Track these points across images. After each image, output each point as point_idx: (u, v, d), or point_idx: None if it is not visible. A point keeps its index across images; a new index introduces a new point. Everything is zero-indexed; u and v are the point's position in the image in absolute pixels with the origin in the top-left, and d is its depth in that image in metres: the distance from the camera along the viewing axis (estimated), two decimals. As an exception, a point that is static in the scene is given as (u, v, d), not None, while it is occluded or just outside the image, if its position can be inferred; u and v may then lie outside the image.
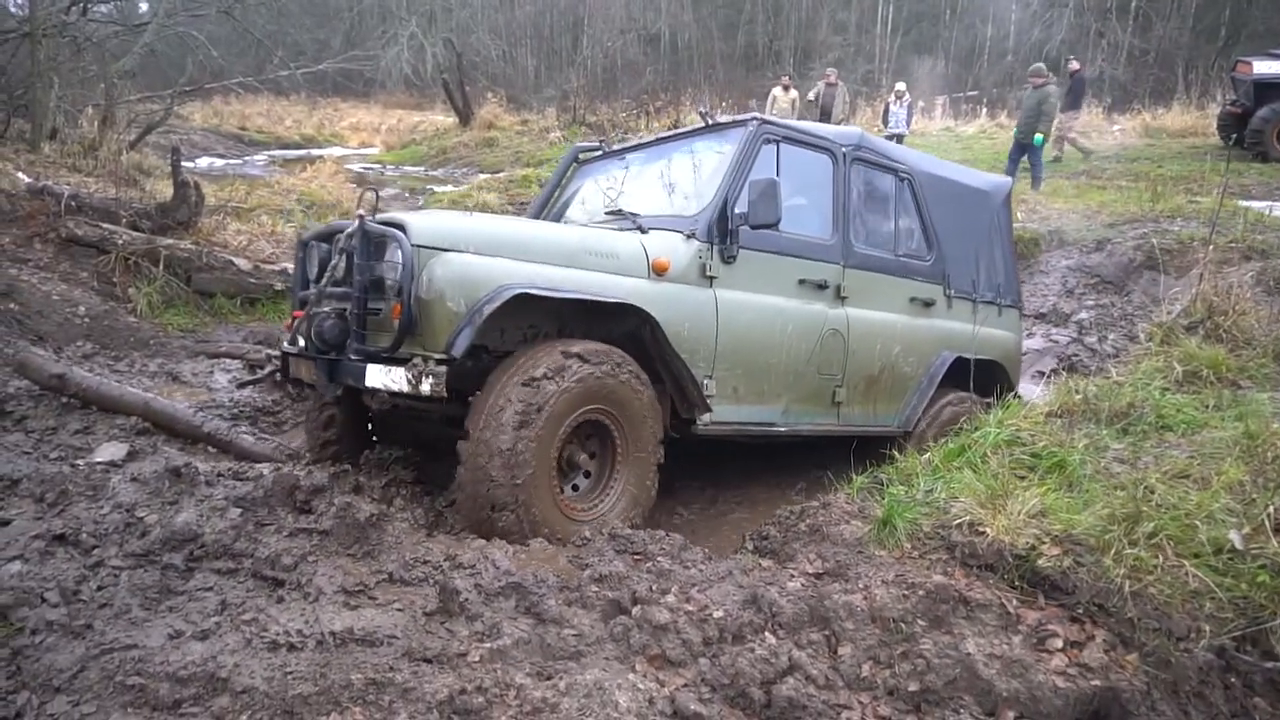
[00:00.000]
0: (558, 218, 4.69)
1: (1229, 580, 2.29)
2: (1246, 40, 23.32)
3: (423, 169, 18.14)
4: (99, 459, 3.55)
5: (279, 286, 7.23)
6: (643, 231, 3.68)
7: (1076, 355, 6.87)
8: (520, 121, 21.28)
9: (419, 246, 2.95)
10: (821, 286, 4.03)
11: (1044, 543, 2.48)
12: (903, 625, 2.25)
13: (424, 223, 3.08)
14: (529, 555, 2.67)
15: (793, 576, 2.55)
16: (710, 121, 4.08)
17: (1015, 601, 2.36)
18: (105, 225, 6.79)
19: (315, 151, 19.54)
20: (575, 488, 3.29)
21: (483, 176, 15.30)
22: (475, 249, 3.05)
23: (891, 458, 3.57)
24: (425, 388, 2.80)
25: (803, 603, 2.34)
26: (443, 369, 2.82)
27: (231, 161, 16.92)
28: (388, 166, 18.56)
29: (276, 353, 5.55)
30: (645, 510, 3.33)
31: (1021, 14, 29.92)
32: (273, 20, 21.18)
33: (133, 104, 12.39)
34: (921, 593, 2.33)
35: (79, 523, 2.61)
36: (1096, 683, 2.07)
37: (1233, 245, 7.03)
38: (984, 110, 21.03)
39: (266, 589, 2.38)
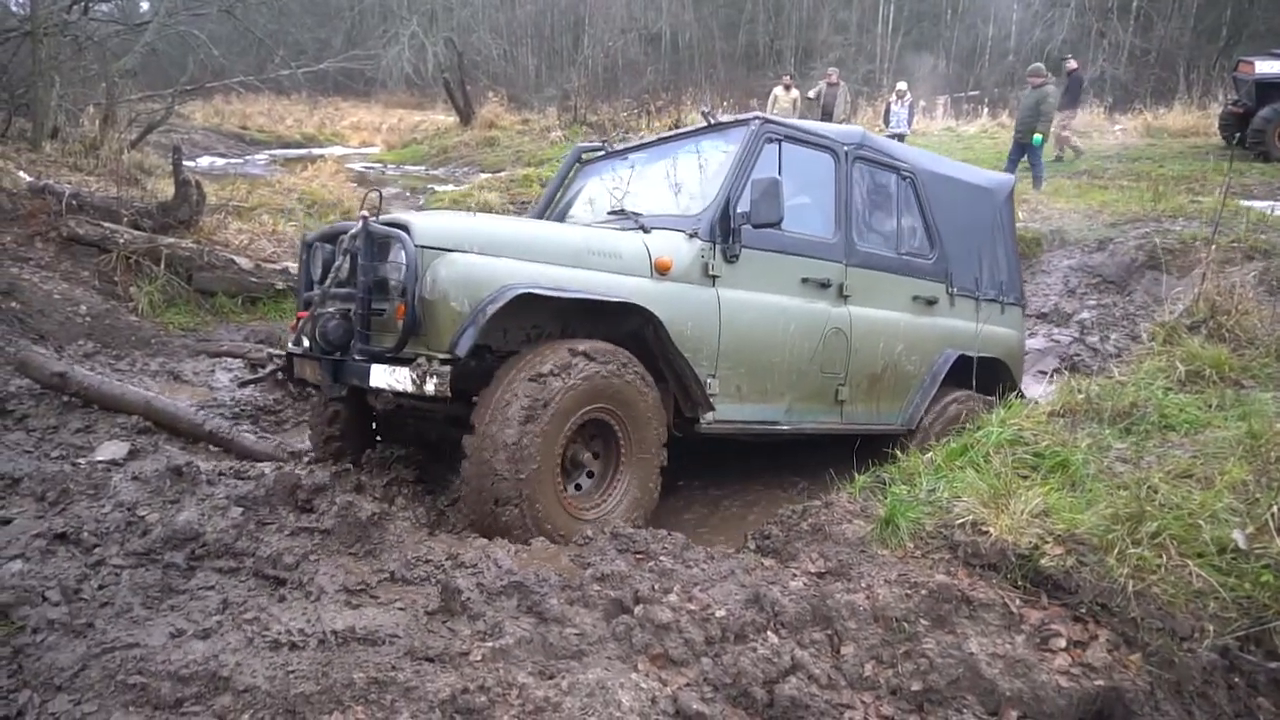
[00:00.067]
0: (560, 218, 4.70)
1: (1233, 580, 2.28)
2: (1248, 40, 23.29)
3: (424, 168, 18.14)
4: (100, 458, 3.55)
5: (280, 285, 7.23)
6: (645, 231, 3.68)
7: (1078, 355, 6.87)
8: (521, 121, 21.28)
9: (423, 247, 2.95)
10: (824, 285, 4.02)
11: (1047, 542, 2.48)
12: (905, 625, 2.25)
13: (428, 223, 3.09)
14: (531, 554, 2.67)
15: (795, 576, 2.54)
16: (712, 121, 4.07)
17: (1018, 601, 2.35)
18: (106, 224, 6.80)
19: (316, 151, 19.55)
20: (578, 487, 3.29)
21: (484, 176, 15.31)
22: (479, 249, 3.05)
23: (894, 457, 3.57)
24: (429, 387, 2.80)
25: (805, 602, 2.33)
26: (447, 369, 2.83)
27: (232, 161, 16.93)
28: (389, 166, 18.56)
29: (278, 351, 5.56)
30: (647, 512, 3.33)
31: (1023, 14, 29.89)
32: (274, 19, 21.15)
33: (134, 103, 12.41)
34: (924, 592, 2.33)
35: (80, 521, 2.61)
36: (1100, 683, 2.07)
37: (1235, 245, 7.01)
38: (985, 110, 20.99)
39: (268, 588, 2.38)
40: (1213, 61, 21.87)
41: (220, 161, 16.48)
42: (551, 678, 1.99)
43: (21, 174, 7.68)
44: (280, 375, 5.37)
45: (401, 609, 2.26)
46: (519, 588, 2.34)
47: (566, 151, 5.10)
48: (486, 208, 11.08)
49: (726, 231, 3.65)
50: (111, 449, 3.66)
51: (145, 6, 21.43)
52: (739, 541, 3.21)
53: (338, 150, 20.32)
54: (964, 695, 2.06)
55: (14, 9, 12.89)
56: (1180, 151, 14.18)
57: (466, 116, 21.63)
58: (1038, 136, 11.55)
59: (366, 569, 2.49)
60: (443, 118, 24.40)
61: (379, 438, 4.14)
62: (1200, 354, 4.26)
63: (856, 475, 3.35)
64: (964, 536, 2.59)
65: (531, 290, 2.98)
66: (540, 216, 4.83)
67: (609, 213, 4.14)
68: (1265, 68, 12.76)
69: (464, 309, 2.88)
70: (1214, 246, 6.16)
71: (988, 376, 4.66)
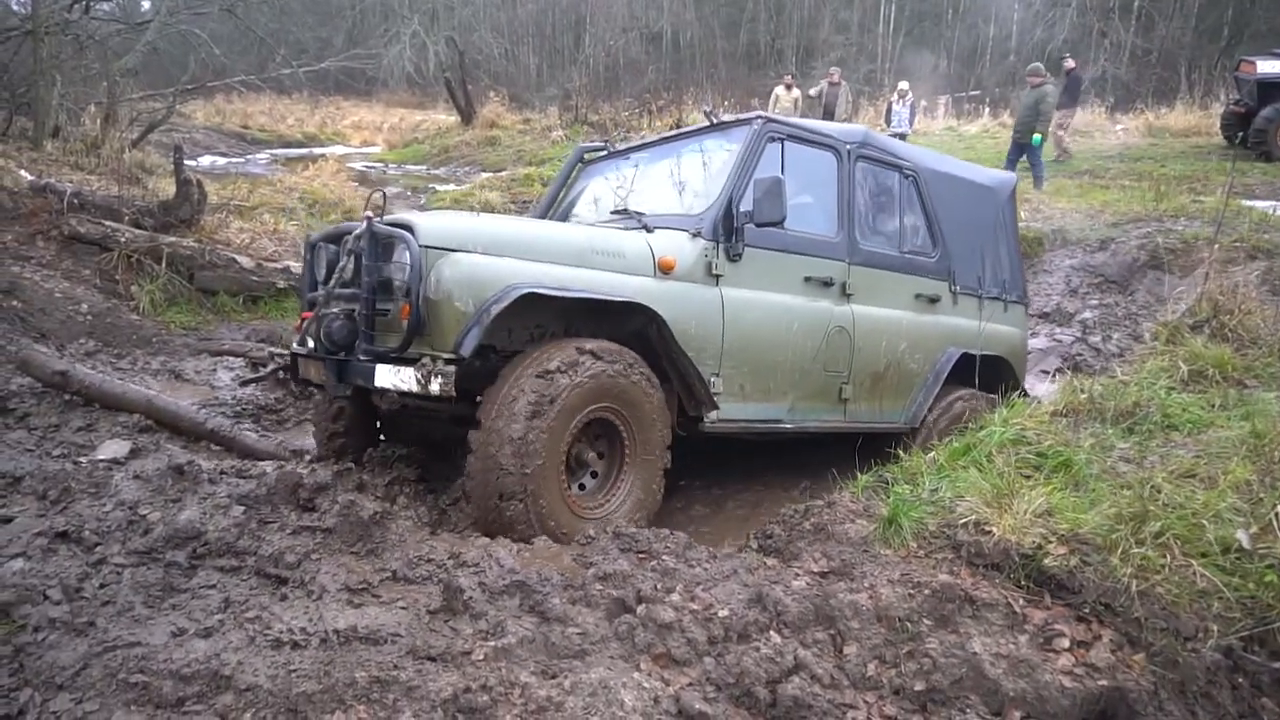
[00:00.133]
0: (563, 217, 4.70)
1: (1236, 580, 2.28)
2: (1249, 40, 23.26)
3: (425, 168, 18.14)
4: (102, 456, 3.55)
5: (281, 284, 7.23)
6: (648, 230, 3.68)
7: (1081, 355, 6.86)
8: (522, 120, 21.28)
9: (427, 247, 2.96)
10: (827, 284, 4.02)
11: (1050, 542, 2.47)
12: (908, 624, 2.24)
13: (431, 223, 3.09)
14: (533, 554, 2.67)
15: (798, 575, 2.54)
16: (715, 120, 4.07)
17: (1022, 601, 2.35)
18: (108, 223, 6.80)
19: (317, 150, 19.55)
20: (582, 487, 3.30)
21: (485, 175, 15.31)
22: (482, 249, 3.06)
23: (896, 456, 3.56)
24: (434, 387, 2.81)
25: (808, 602, 2.33)
26: (451, 369, 2.83)
27: (234, 160, 16.92)
28: (390, 165, 18.55)
29: (279, 350, 5.56)
30: (650, 513, 3.33)
31: (1024, 13, 29.86)
32: (275, 18, 21.15)
33: (135, 102, 12.40)
34: (927, 592, 2.32)
35: (82, 520, 2.61)
36: (1103, 682, 2.06)
37: (1237, 245, 7.01)
38: (986, 110, 20.96)
39: (270, 587, 2.38)
40: (1214, 61, 21.87)
41: (221, 161, 16.47)
42: (554, 677, 1.99)
43: (23, 173, 7.68)
44: (282, 374, 5.37)
45: (403, 608, 2.26)
46: (521, 587, 2.34)
47: (568, 151, 5.11)
48: (488, 207, 11.07)
49: (730, 231, 3.65)
50: (113, 448, 3.66)
51: (146, 5, 21.46)
52: (741, 541, 3.21)
53: (339, 150, 20.32)
54: (967, 695, 2.05)
55: (15, 8, 12.88)
56: (1182, 151, 14.17)
57: (468, 116, 21.63)
58: (1037, 136, 11.54)
59: (368, 568, 2.48)
60: (444, 117, 24.41)
61: (383, 436, 4.15)
62: (1203, 354, 4.26)
63: (859, 475, 3.34)
64: (967, 536, 2.58)
65: (536, 290, 2.98)
66: (543, 216, 4.83)
67: (612, 212, 4.14)
68: (1267, 67, 12.74)
69: (468, 309, 2.89)
70: (1217, 246, 6.16)
71: (991, 375, 4.66)
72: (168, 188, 8.23)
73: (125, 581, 2.31)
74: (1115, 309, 7.60)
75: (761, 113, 4.03)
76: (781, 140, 3.88)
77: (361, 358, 3.08)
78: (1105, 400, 3.65)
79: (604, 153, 4.92)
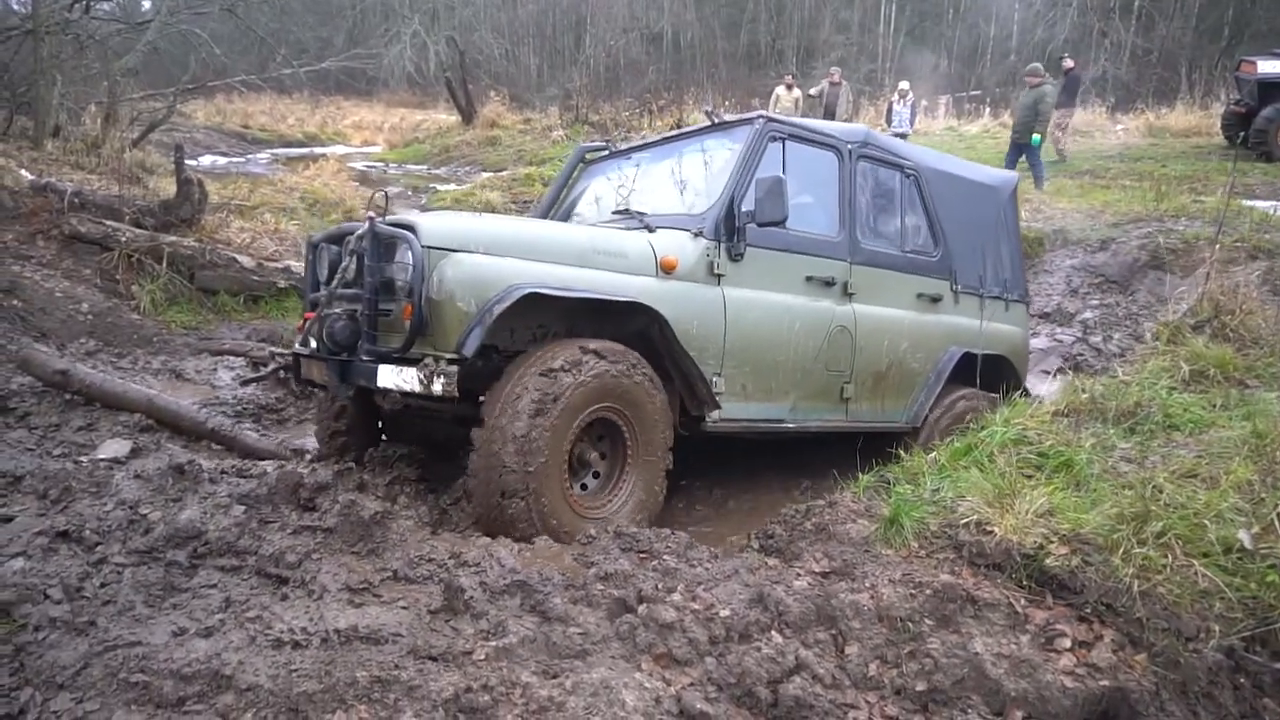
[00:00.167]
0: (565, 217, 4.70)
1: (1238, 580, 2.28)
2: (1250, 40, 23.25)
3: (425, 167, 18.14)
4: (102, 456, 3.55)
5: (282, 284, 7.23)
6: (650, 230, 3.68)
7: (1081, 355, 6.85)
8: (523, 120, 21.28)
9: (429, 248, 2.96)
10: (829, 283, 4.02)
11: (1052, 542, 2.47)
12: (910, 624, 2.24)
13: (434, 224, 3.09)
14: (534, 553, 2.66)
15: (799, 575, 2.54)
16: (717, 120, 4.07)
17: (1023, 601, 2.35)
18: (108, 222, 6.80)
19: (318, 150, 19.55)
20: (584, 487, 3.30)
21: (486, 175, 15.32)
22: (485, 249, 3.06)
23: (898, 456, 3.56)
24: (437, 388, 2.81)
25: (809, 602, 2.33)
26: (454, 369, 2.83)
27: (234, 159, 16.92)
28: (390, 165, 18.55)
29: (280, 350, 5.55)
30: (652, 515, 3.33)
31: (1024, 13, 29.86)
32: (275, 18, 21.13)
33: (135, 102, 12.40)
34: (929, 592, 2.32)
35: (82, 519, 2.61)
36: (1105, 683, 2.06)
37: (1238, 244, 7.00)
38: (987, 110, 20.94)
39: (271, 586, 2.38)
40: (1215, 61, 21.86)
41: (222, 160, 16.46)
42: (555, 677, 1.99)
43: (23, 172, 7.67)
44: (282, 374, 5.37)
45: (404, 608, 2.25)
46: (522, 586, 2.34)
47: (568, 151, 5.11)
48: (489, 207, 11.07)
49: (731, 230, 3.65)
50: (114, 447, 3.66)
51: (147, 5, 21.46)
52: (743, 541, 3.20)
53: (340, 149, 20.31)
54: (969, 695, 2.05)
55: (15, 7, 12.89)
56: (1182, 151, 14.16)
57: (468, 116, 21.63)
58: (1036, 137, 11.53)
59: (369, 567, 2.48)
60: (444, 117, 24.40)
61: (385, 435, 4.15)
62: (1204, 354, 4.26)
63: (860, 474, 3.34)
64: (969, 536, 2.58)
65: (538, 290, 2.98)
66: (544, 216, 4.83)
67: (613, 212, 4.14)
68: (1267, 67, 12.73)
69: (471, 309, 2.89)
70: (1218, 246, 6.15)
71: (992, 374, 4.66)
72: (168, 187, 8.23)
73: (126, 581, 2.31)
74: (1116, 309, 7.59)
75: (763, 112, 4.03)
76: (783, 140, 3.88)
77: (364, 358, 3.08)
78: (1106, 400, 3.64)
79: (605, 153, 4.91)
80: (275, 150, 19.68)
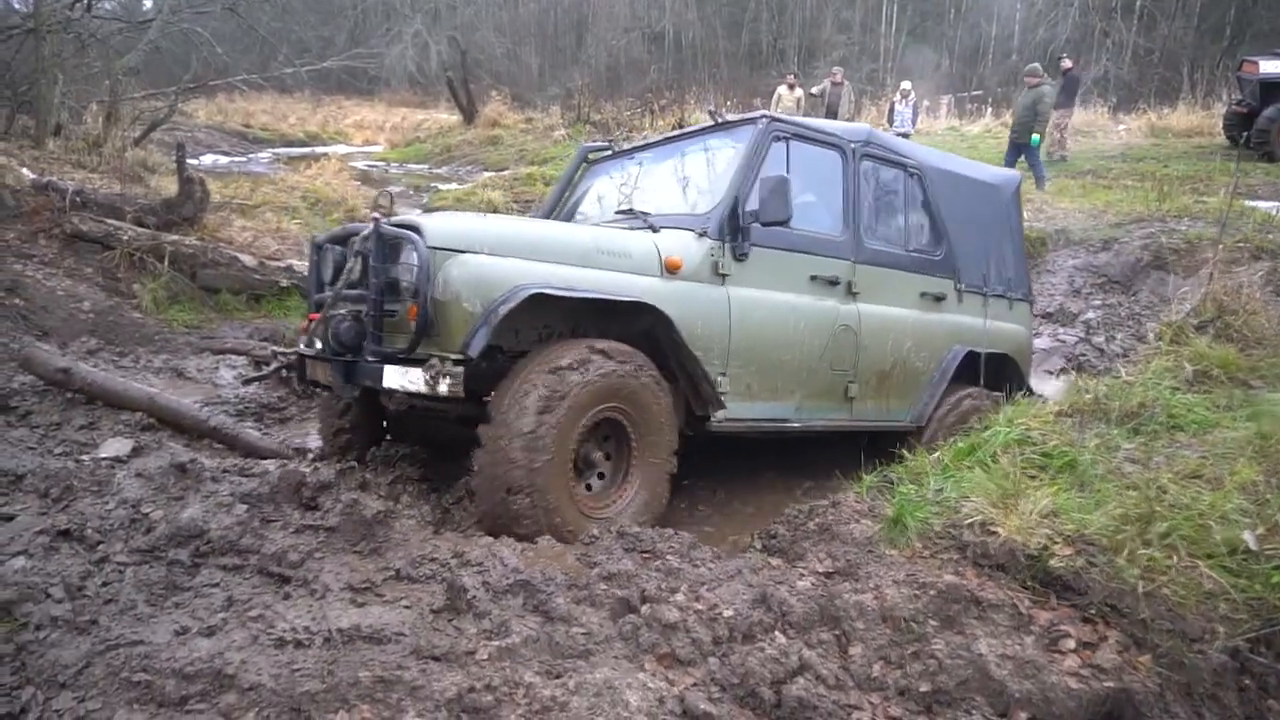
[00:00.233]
0: (568, 217, 4.70)
1: (1243, 581, 2.27)
2: (1252, 40, 23.20)
3: (427, 167, 18.14)
4: (104, 454, 3.54)
5: (284, 283, 7.23)
6: (654, 230, 3.68)
7: (1084, 355, 6.85)
8: (524, 119, 21.28)
9: (434, 248, 2.96)
10: (833, 283, 4.01)
11: (1056, 543, 2.46)
12: (914, 625, 2.23)
13: (439, 224, 3.10)
14: (537, 553, 2.66)
15: (802, 575, 2.53)
16: (720, 120, 4.06)
17: (1027, 602, 2.34)
18: (110, 221, 6.80)
19: (319, 149, 19.55)
20: (589, 487, 3.29)
21: (487, 174, 15.31)
22: (490, 250, 3.06)
23: (902, 456, 3.55)
24: (442, 388, 2.80)
25: (813, 602, 2.32)
26: (459, 369, 2.83)
27: (236, 159, 16.93)
28: (392, 164, 18.56)
29: (282, 349, 5.54)
30: (655, 516, 3.33)
31: (1026, 13, 29.84)
32: (277, 17, 21.17)
33: (137, 101, 12.39)
34: (933, 592, 2.31)
35: (84, 518, 2.60)
36: (1109, 684, 2.05)
37: (1241, 245, 6.99)
38: (989, 110, 20.93)
39: (273, 586, 2.37)
40: (1217, 61, 21.83)
41: (224, 159, 16.47)
42: (558, 677, 1.98)
43: (25, 171, 7.67)
44: (285, 373, 5.35)
45: (407, 607, 2.25)
46: (525, 586, 2.33)
47: (570, 150, 5.10)
48: (491, 206, 11.06)
49: (735, 230, 3.65)
50: (115, 446, 3.65)
51: (148, 4, 21.47)
52: (746, 541, 3.20)
53: (341, 149, 20.31)
54: (973, 696, 2.04)
55: (17, 6, 12.87)
56: (1184, 151, 14.15)
57: (470, 115, 21.63)
58: (1035, 137, 11.51)
59: (372, 567, 2.48)
60: (446, 116, 24.40)
61: (389, 435, 4.14)
62: (1208, 354, 4.25)
63: (864, 474, 3.33)
64: (972, 537, 2.58)
65: (543, 290, 2.98)
66: (548, 216, 4.83)
67: (617, 212, 4.14)
68: (1269, 67, 12.71)
69: (476, 310, 2.89)
70: (1221, 246, 6.14)
71: (996, 373, 4.65)
72: (170, 186, 8.22)
73: (128, 580, 2.30)
74: (1119, 309, 7.58)
75: (766, 112, 4.02)
76: (786, 139, 3.88)
77: (369, 359, 3.08)
78: (1110, 400, 3.64)
79: (608, 153, 4.91)
80: (276, 149, 19.68)
